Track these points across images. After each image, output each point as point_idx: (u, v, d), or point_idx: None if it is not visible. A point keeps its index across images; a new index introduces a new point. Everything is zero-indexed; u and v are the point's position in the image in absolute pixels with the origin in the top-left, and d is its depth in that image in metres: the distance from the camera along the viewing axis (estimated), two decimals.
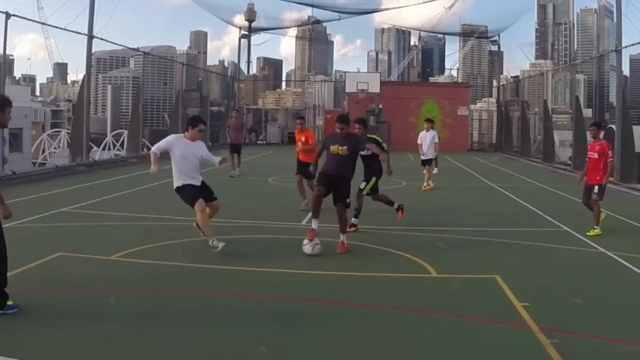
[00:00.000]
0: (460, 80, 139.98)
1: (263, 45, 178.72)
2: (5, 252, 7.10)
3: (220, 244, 10.10)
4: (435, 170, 24.17)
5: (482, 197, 19.62)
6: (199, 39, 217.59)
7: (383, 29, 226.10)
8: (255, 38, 64.25)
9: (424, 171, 21.47)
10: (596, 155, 13.11)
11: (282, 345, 6.48)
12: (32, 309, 7.17)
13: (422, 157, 21.67)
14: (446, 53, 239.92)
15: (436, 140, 21.71)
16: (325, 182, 10.79)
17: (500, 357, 6.40)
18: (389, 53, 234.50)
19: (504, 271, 9.58)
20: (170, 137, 10.86)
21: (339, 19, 58.26)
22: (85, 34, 26.70)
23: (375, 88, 44.91)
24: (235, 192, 18.36)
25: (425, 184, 20.96)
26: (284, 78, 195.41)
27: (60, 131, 56.79)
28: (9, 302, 7.07)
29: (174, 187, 10.59)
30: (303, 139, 15.94)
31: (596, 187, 13.00)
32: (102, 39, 27.80)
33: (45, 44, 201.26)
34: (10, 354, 5.89)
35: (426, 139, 21.58)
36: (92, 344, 6.33)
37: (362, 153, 11.98)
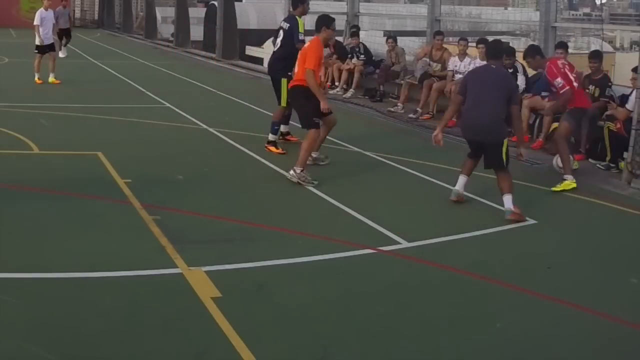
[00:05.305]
0: None
1: None
2: None
3: None
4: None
5: (84, 73, 18.70)
6: None
7: None
8: None
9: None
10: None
11: None
12: None
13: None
14: None
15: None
16: None
17: (105, 233, 6.39)
18: None
19: (107, 148, 9.46)
20: None
21: None
22: None
23: None
24: None
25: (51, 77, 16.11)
26: None
27: None
28: None
29: None
30: None
31: None
32: None
33: None
34: None
35: (47, 18, 16.18)
36: None
37: None
